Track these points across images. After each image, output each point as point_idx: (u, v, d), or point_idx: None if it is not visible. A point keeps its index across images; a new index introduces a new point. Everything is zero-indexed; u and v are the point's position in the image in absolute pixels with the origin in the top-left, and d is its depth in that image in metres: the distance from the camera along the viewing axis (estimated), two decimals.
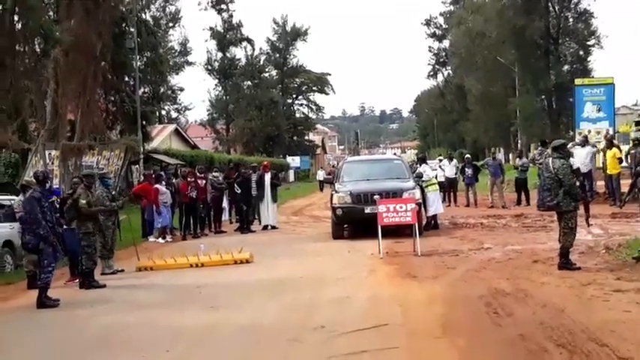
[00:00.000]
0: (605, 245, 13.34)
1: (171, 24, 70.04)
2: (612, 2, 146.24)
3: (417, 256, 13.89)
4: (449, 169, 26.84)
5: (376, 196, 15.96)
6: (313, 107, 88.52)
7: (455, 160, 28.98)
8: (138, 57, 35.22)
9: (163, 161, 36.57)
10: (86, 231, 12.81)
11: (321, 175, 49.63)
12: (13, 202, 15.61)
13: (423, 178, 19.03)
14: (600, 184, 23.58)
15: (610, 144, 22.20)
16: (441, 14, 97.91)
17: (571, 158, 17.02)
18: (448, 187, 27.14)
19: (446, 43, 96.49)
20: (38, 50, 24.59)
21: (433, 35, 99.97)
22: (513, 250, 13.97)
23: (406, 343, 7.55)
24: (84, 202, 12.80)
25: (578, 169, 19.33)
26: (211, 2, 76.63)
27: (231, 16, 78.56)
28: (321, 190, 42.65)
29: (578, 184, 11.60)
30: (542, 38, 59.88)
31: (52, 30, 22.92)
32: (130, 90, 35.68)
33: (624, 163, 21.15)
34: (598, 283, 9.96)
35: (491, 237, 16.56)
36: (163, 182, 20.57)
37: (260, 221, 22.37)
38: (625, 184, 18.96)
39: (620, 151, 22.02)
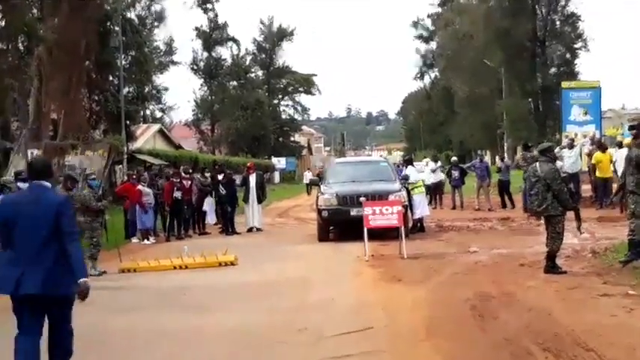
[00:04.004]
0: (592, 249, 13.43)
1: (156, 23, 69.88)
2: (599, 5, 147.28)
3: (402, 259, 13.88)
4: (427, 174, 26.40)
5: (362, 198, 15.95)
6: (299, 108, 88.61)
7: (434, 163, 28.80)
8: (122, 56, 35.12)
9: (147, 161, 36.44)
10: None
11: (308, 177, 49.34)
12: None
13: (409, 181, 18.99)
14: (586, 188, 23.65)
15: (602, 147, 22.26)
16: (428, 16, 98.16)
17: (558, 162, 17.07)
18: (434, 190, 27.14)
19: (433, 45, 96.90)
20: (22, 48, 24.44)
21: (420, 37, 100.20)
22: (499, 254, 13.99)
23: (391, 347, 7.56)
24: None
25: (567, 175, 19.43)
26: (197, 2, 76.49)
27: (216, 15, 78.44)
28: (308, 193, 42.42)
29: (566, 190, 11.56)
30: (529, 41, 60.25)
31: (35, 28, 22.81)
32: (114, 89, 35.52)
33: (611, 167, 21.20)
34: (584, 287, 9.99)
35: (477, 240, 16.55)
36: (143, 183, 20.34)
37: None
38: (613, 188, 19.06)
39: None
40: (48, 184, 6.48)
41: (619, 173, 19.03)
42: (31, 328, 6.16)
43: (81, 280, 6.11)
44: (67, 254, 6.12)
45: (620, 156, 19.69)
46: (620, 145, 21.56)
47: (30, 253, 6.11)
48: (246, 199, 22.03)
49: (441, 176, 27.70)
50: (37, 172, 6.49)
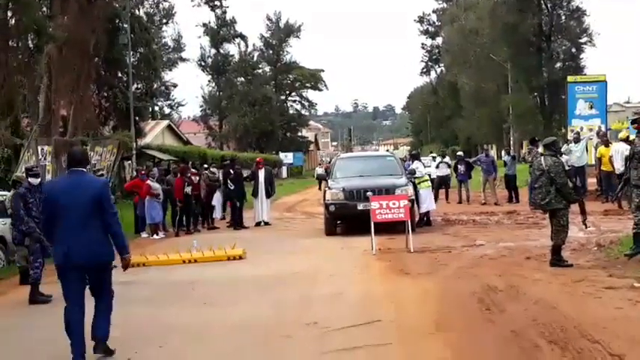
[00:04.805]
0: (597, 242, 13.41)
1: (164, 20, 69.96)
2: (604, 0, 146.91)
3: (409, 253, 13.91)
4: (433, 168, 26.67)
5: (369, 193, 15.99)
6: (306, 104, 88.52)
7: (440, 158, 28.97)
8: (131, 53, 35.14)
9: (156, 157, 36.54)
10: None
11: (319, 171, 49.26)
12: (5, 197, 15.54)
13: (416, 175, 19.06)
14: (592, 182, 23.64)
15: (605, 141, 22.27)
16: (434, 11, 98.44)
17: (564, 156, 17.10)
18: (439, 184, 27.20)
19: (439, 41, 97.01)
20: (31, 46, 24.53)
21: (426, 32, 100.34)
22: (506, 247, 14.00)
23: (399, 339, 7.59)
24: None
25: (573, 169, 19.47)
26: None
27: (224, 12, 78.63)
28: (320, 188, 42.25)
29: (571, 185, 11.62)
30: (535, 36, 60.03)
31: (45, 26, 22.91)
32: (123, 86, 35.55)
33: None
34: (590, 279, 9.99)
35: (483, 234, 16.59)
36: (152, 178, 20.43)
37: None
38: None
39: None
40: (85, 169, 7.68)
41: (616, 166, 19.09)
42: (77, 295, 7.25)
43: (125, 255, 7.47)
44: (111, 231, 7.31)
45: (616, 150, 19.72)
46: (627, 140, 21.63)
47: (74, 228, 7.14)
48: (255, 194, 22.10)
49: (445, 171, 27.74)
50: (76, 160, 7.53)
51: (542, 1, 60.44)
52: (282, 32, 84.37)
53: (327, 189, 18.84)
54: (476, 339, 7.44)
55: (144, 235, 20.04)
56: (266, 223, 22.05)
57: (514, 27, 57.38)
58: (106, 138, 30.59)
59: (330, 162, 42.96)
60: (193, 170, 22.04)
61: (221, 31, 78.41)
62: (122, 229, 7.58)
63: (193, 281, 12.20)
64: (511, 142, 62.41)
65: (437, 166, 27.52)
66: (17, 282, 12.68)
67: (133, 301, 10.53)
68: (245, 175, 23.16)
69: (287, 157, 75.22)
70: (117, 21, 34.58)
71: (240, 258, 14.55)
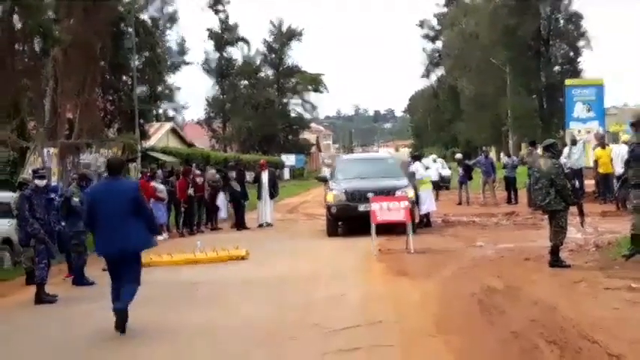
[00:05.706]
0: (595, 243, 13.48)
1: (169, 24, 69.93)
2: (602, 4, 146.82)
3: (409, 254, 14.00)
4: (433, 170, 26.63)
5: (370, 194, 16.09)
6: (307, 107, 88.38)
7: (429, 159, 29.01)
8: (136, 57, 35.25)
9: (160, 159, 36.64)
10: (77, 230, 12.81)
11: (326, 172, 49.18)
12: (11, 199, 15.67)
13: (416, 177, 19.15)
14: (589, 183, 23.70)
15: (602, 144, 22.37)
16: (434, 16, 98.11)
17: (562, 158, 17.20)
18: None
19: (439, 44, 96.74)
20: (37, 49, 24.58)
21: (427, 36, 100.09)
22: (505, 248, 14.09)
23: (399, 341, 7.66)
24: (77, 200, 12.88)
25: (570, 171, 19.59)
26: (208, 3, 76.75)
27: (227, 17, 78.63)
28: None
29: (570, 187, 11.74)
30: (534, 39, 60.15)
31: (51, 29, 22.95)
32: (128, 89, 35.64)
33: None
34: (588, 280, 10.05)
35: (483, 235, 16.67)
36: (159, 180, 20.58)
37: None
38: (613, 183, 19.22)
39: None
40: (121, 175, 9.25)
41: (617, 169, 19.21)
42: (116, 277, 8.83)
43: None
44: (147, 221, 8.88)
45: (617, 153, 19.84)
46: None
47: (113, 225, 8.56)
48: (259, 196, 22.22)
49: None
50: (114, 168, 9.01)
51: (540, 6, 60.53)
52: (284, 37, 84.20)
53: (328, 190, 18.96)
54: (475, 340, 7.51)
55: None
56: (268, 224, 22.17)
57: (513, 31, 57.51)
58: (111, 140, 30.64)
59: (329, 164, 42.97)
60: (197, 172, 22.16)
61: (224, 36, 78.41)
62: (153, 217, 9.53)
63: (197, 282, 12.27)
64: (510, 145, 62.44)
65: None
66: (23, 283, 12.81)
67: (136, 301, 10.59)
68: (249, 179, 23.27)
69: (289, 159, 75.09)
70: (122, 25, 34.67)
71: (243, 259, 14.66)
